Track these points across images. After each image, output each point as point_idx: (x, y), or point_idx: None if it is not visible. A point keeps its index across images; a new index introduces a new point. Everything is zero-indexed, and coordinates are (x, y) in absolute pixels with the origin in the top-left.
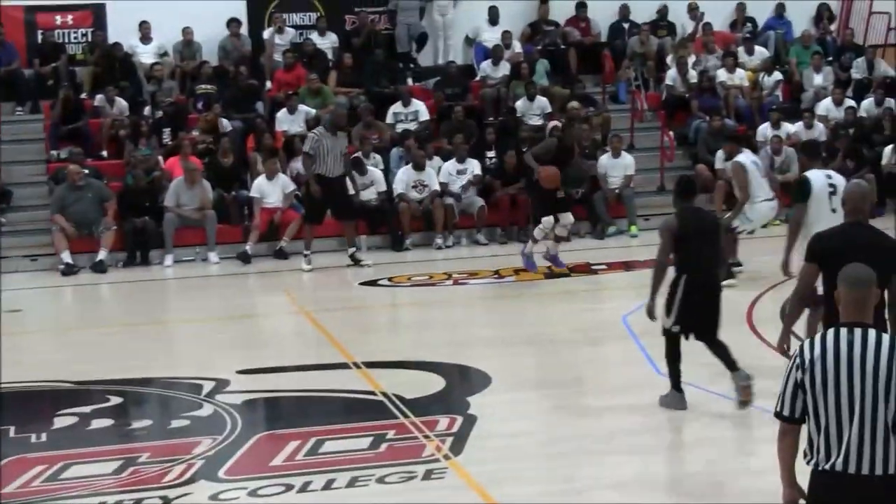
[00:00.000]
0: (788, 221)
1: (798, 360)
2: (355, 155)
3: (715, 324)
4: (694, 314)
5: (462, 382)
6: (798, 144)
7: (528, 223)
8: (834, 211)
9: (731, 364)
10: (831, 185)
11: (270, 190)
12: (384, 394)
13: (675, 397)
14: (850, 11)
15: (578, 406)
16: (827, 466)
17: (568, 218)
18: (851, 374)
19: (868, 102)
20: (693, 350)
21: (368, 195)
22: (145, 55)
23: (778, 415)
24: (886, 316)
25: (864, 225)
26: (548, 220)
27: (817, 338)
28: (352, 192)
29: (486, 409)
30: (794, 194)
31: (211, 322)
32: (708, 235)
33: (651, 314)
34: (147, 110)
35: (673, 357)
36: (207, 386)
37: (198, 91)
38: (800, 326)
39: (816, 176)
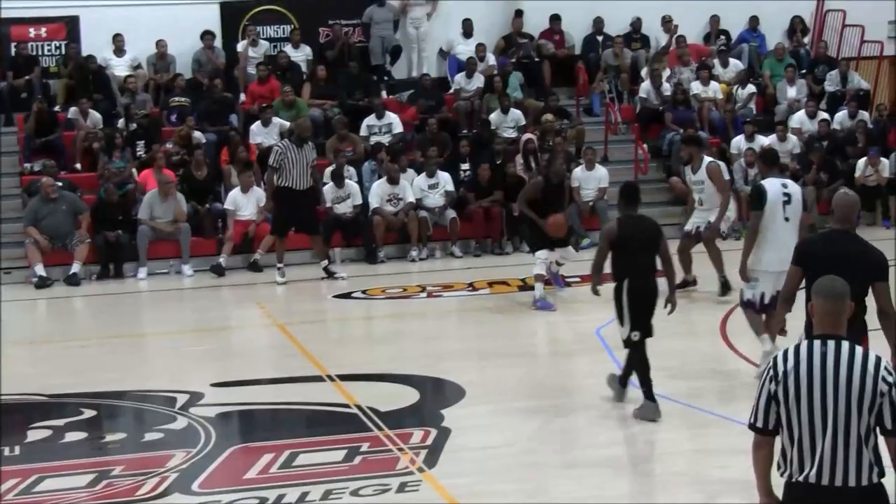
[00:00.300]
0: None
1: (772, 372)
2: (335, 167)
3: (650, 327)
4: (645, 317)
5: (436, 395)
6: (757, 153)
7: (501, 236)
8: (787, 219)
9: (625, 376)
10: (786, 195)
11: (245, 202)
12: (358, 406)
13: (650, 407)
14: (823, 24)
15: (553, 418)
16: (800, 478)
17: (570, 252)
18: (824, 386)
19: (841, 115)
20: (666, 364)
21: (344, 208)
22: (119, 68)
23: (752, 426)
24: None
25: (850, 233)
26: (542, 254)
27: (791, 350)
28: (328, 205)
29: (461, 421)
30: (751, 202)
31: (185, 335)
32: (647, 242)
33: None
34: (121, 123)
35: (641, 366)
36: (181, 399)
37: (171, 103)
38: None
39: (772, 184)
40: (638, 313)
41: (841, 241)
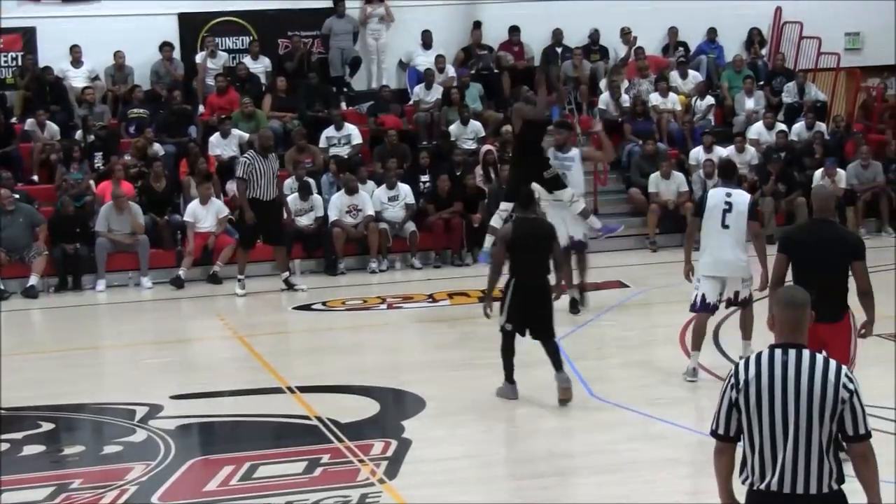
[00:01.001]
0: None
1: (733, 380)
2: (301, 180)
3: (546, 325)
4: (522, 315)
5: (396, 406)
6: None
7: (461, 247)
8: (727, 227)
9: (557, 364)
10: (727, 203)
11: (204, 214)
12: (318, 418)
13: (508, 388)
14: (780, 36)
15: (512, 429)
16: (762, 486)
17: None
18: (786, 394)
19: (799, 126)
20: (626, 373)
21: (307, 220)
22: (76, 79)
23: (713, 433)
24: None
25: (829, 221)
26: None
27: (752, 358)
28: (286, 216)
29: (421, 432)
30: (693, 209)
31: (144, 347)
32: (540, 244)
33: (486, 312)
34: (78, 135)
35: (506, 352)
36: (140, 411)
37: (130, 115)
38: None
39: (714, 194)
40: (515, 309)
41: (820, 229)
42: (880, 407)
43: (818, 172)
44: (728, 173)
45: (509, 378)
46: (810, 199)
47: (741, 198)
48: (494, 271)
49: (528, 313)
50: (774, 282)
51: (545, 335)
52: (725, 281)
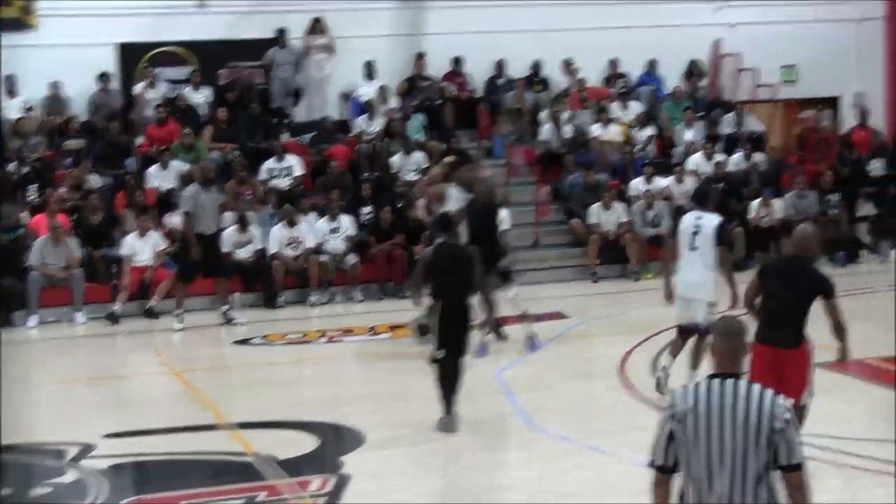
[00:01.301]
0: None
1: (671, 411)
2: (240, 212)
3: (462, 343)
4: (450, 338)
5: (335, 441)
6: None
7: (403, 279)
8: (695, 249)
9: (453, 393)
10: (696, 226)
11: (142, 247)
12: (256, 454)
13: (448, 421)
14: (719, 68)
15: (452, 463)
16: None
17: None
18: (722, 424)
19: (737, 157)
20: (571, 405)
21: (245, 253)
22: (10, 109)
23: (651, 464)
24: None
25: (802, 258)
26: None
27: (690, 388)
28: (226, 249)
29: (360, 467)
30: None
31: (76, 384)
32: (459, 267)
33: (415, 301)
34: (12, 166)
35: (443, 384)
36: (72, 451)
37: (66, 147)
38: None
39: (686, 217)
40: (445, 333)
41: (792, 265)
42: (818, 435)
43: (755, 203)
44: (701, 199)
45: (448, 410)
46: (748, 231)
47: (709, 221)
48: (413, 288)
49: (454, 336)
50: (746, 303)
51: (459, 353)
52: (691, 302)
